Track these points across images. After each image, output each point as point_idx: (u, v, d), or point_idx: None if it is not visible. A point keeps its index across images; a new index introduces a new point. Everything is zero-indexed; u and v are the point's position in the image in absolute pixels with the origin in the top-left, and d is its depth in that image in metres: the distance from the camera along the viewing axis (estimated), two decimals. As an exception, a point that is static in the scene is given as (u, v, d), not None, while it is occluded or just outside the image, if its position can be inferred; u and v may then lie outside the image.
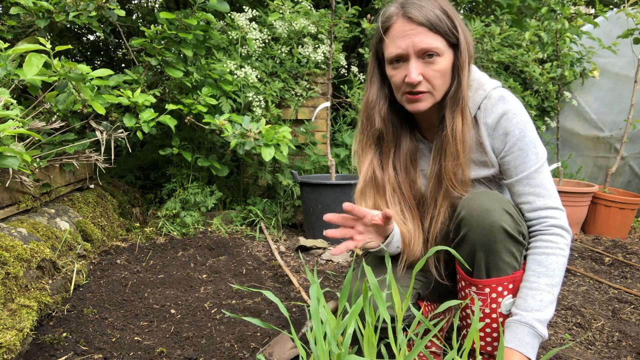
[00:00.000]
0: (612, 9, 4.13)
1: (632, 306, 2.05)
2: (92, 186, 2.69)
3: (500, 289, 1.18)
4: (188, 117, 2.71)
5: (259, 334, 1.65)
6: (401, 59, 1.18)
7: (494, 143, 1.24)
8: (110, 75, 2.39)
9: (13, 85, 2.02)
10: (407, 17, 1.15)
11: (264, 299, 1.95)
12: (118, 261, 2.27)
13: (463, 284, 1.25)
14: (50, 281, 1.77)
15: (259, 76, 3.05)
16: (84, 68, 2.15)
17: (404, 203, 1.33)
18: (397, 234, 1.27)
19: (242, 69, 2.91)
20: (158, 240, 2.65)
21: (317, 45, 3.24)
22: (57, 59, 2.09)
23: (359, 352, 1.07)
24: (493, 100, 1.24)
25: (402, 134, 1.34)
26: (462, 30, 1.19)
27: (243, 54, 3.10)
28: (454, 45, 1.19)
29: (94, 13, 2.40)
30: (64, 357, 1.44)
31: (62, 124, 2.14)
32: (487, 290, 1.19)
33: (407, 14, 1.15)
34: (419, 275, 1.35)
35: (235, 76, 2.91)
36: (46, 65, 2.05)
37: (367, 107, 1.32)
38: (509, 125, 1.21)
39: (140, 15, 4.64)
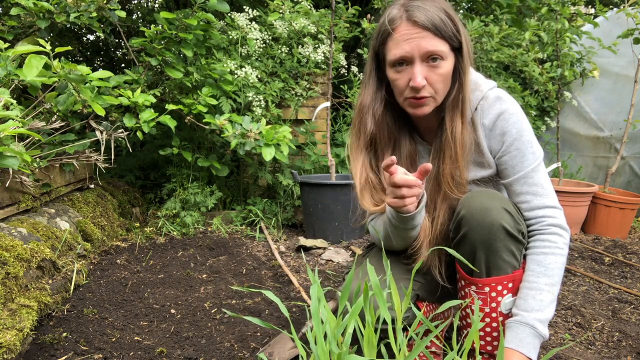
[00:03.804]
0: (612, 9, 4.13)
1: (632, 306, 2.05)
2: (92, 186, 2.69)
3: (500, 288, 1.18)
4: (188, 117, 2.71)
5: (259, 334, 1.65)
6: (405, 62, 1.16)
7: (491, 144, 1.24)
8: (110, 77, 2.39)
9: (13, 85, 2.02)
10: (412, 20, 1.13)
11: (264, 299, 1.95)
12: (118, 261, 2.27)
13: (463, 283, 1.25)
14: (50, 281, 1.77)
15: (259, 76, 3.05)
16: (84, 69, 2.15)
17: None
18: (424, 201, 1.21)
19: (242, 69, 2.91)
20: (158, 240, 2.65)
21: (317, 45, 3.24)
22: (57, 60, 2.09)
23: (359, 352, 1.07)
24: (490, 100, 1.24)
25: (401, 136, 1.33)
26: (463, 33, 1.18)
27: (243, 54, 3.11)
28: (456, 49, 1.19)
29: (94, 14, 2.40)
30: (64, 357, 1.44)
31: (62, 124, 2.14)
32: (486, 289, 1.19)
33: (411, 17, 1.13)
34: (418, 277, 1.35)
35: (236, 76, 2.91)
36: (46, 66, 2.05)
37: (360, 110, 1.31)
38: (505, 125, 1.21)
39: (140, 15, 4.65)
